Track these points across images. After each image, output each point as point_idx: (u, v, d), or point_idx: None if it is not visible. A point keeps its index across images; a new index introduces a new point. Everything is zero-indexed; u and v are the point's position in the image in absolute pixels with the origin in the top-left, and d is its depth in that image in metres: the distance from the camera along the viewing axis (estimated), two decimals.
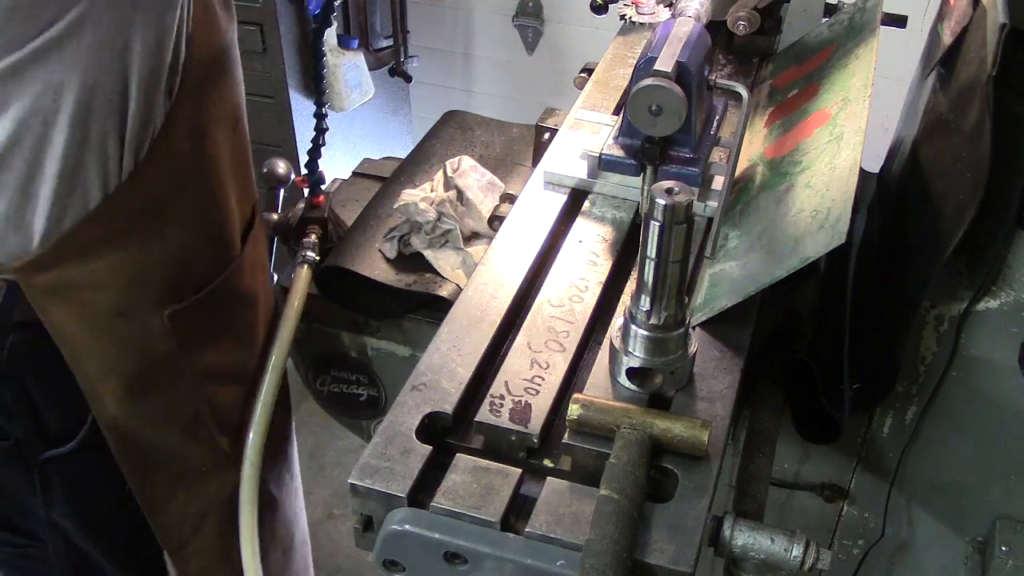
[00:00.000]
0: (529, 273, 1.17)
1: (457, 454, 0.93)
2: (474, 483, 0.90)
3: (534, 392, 0.99)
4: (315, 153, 1.53)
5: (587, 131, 1.36)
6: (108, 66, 1.01)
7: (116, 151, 1.05)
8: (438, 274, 1.42)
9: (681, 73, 1.09)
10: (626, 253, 1.21)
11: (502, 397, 0.98)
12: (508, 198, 1.45)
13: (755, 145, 1.37)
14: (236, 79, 1.22)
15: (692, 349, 1.00)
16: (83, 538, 1.39)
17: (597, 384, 1.02)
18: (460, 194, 1.47)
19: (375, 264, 1.44)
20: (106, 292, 1.13)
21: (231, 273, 1.25)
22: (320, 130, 1.52)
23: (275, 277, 1.58)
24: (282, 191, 1.57)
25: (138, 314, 1.17)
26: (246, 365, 1.34)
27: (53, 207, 1.05)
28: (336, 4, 1.44)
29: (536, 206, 1.28)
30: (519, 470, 0.92)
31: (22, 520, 1.36)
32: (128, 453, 1.27)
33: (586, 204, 1.29)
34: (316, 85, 1.50)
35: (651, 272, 0.93)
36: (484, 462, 0.92)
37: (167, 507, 1.34)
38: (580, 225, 1.25)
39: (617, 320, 1.03)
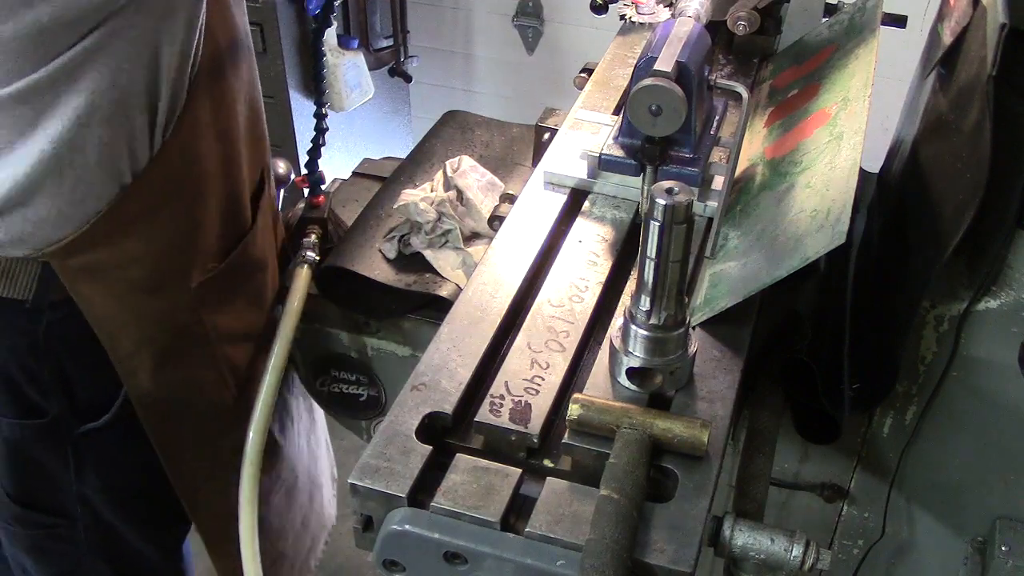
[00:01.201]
0: (529, 273, 1.17)
1: (457, 454, 0.93)
2: (474, 483, 0.90)
3: (534, 392, 0.99)
4: (315, 153, 1.53)
5: (587, 131, 1.36)
6: (142, 67, 1.07)
7: (146, 136, 1.11)
8: (438, 274, 1.42)
9: (681, 73, 1.09)
10: (626, 253, 1.21)
11: (502, 397, 0.98)
12: (508, 198, 1.45)
13: (755, 145, 1.37)
14: (250, 60, 1.29)
15: (692, 349, 1.00)
16: (111, 511, 1.44)
17: (597, 384, 1.02)
18: (460, 194, 1.47)
19: (375, 264, 1.44)
20: (137, 268, 1.19)
21: (249, 239, 1.32)
22: (320, 130, 1.52)
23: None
24: (282, 191, 1.57)
25: (168, 288, 1.23)
26: (257, 324, 1.41)
27: (90, 195, 1.11)
28: (336, 4, 1.44)
29: (536, 206, 1.28)
30: (519, 470, 0.92)
31: (54, 498, 1.41)
32: (158, 422, 1.32)
33: (586, 204, 1.29)
34: (316, 85, 1.50)
35: (651, 272, 0.93)
36: (484, 462, 0.92)
37: (187, 460, 1.40)
38: (580, 225, 1.25)
39: (617, 320, 1.03)
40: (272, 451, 1.51)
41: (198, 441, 1.39)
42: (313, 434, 1.75)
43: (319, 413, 1.77)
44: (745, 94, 1.22)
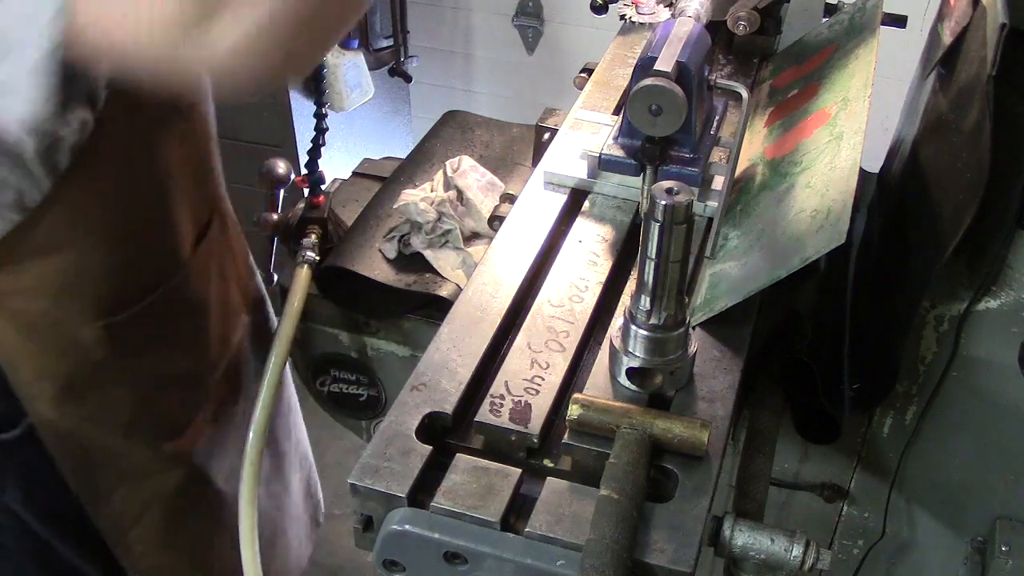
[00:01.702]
0: (529, 273, 1.17)
1: (457, 454, 0.93)
2: (474, 483, 0.90)
3: (534, 392, 0.99)
4: (315, 153, 1.53)
5: (587, 131, 1.36)
6: None
7: (38, 168, 1.01)
8: (438, 274, 1.42)
9: (681, 73, 1.09)
10: (626, 253, 1.21)
11: (502, 397, 0.98)
12: (508, 198, 1.45)
13: (755, 145, 1.37)
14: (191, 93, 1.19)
15: (692, 349, 1.00)
16: (41, 527, 1.38)
17: (597, 384, 1.02)
18: (460, 194, 1.47)
19: (375, 264, 1.44)
20: (37, 301, 1.11)
21: (177, 283, 1.23)
22: (320, 130, 1.52)
23: (275, 277, 1.58)
24: (282, 191, 1.57)
25: (71, 323, 1.15)
26: (191, 371, 1.33)
27: None
28: None
29: (536, 206, 1.28)
30: (519, 470, 0.92)
31: None
32: (66, 452, 1.26)
33: (586, 204, 1.29)
34: (316, 85, 1.50)
35: (651, 272, 0.93)
36: (484, 462, 0.92)
37: (109, 500, 1.34)
38: (580, 225, 1.25)
39: (617, 320, 1.03)
40: (214, 500, 1.44)
41: (119, 480, 1.32)
42: (278, 480, 1.64)
43: (291, 456, 1.67)
44: (745, 94, 1.22)
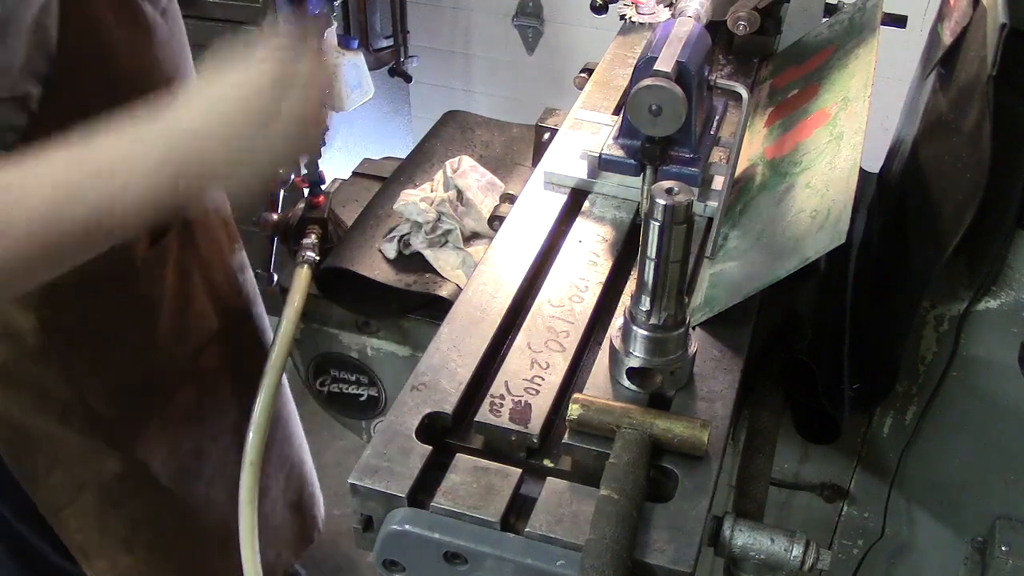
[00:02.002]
0: (529, 273, 1.17)
1: (457, 454, 0.93)
2: (474, 483, 0.90)
3: (534, 392, 0.99)
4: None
5: (587, 131, 1.36)
6: None
7: None
8: (438, 274, 1.42)
9: (681, 73, 1.09)
10: (626, 253, 1.21)
11: (502, 397, 0.98)
12: (508, 198, 1.45)
13: (755, 145, 1.37)
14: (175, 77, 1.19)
15: (692, 349, 1.00)
16: (21, 524, 1.42)
17: (597, 384, 1.02)
18: (460, 194, 1.47)
19: (375, 264, 1.44)
20: None
21: (124, 281, 1.24)
22: None
23: (275, 277, 1.58)
24: (282, 191, 1.57)
25: (7, 311, 1.18)
26: (134, 366, 1.34)
27: None
28: (336, 4, 1.44)
29: (536, 206, 1.28)
30: (519, 470, 0.92)
31: None
32: (1, 433, 1.29)
33: (586, 204, 1.29)
34: None
35: (651, 272, 0.93)
36: (484, 462, 0.92)
37: (45, 480, 1.36)
38: (580, 225, 1.25)
39: (617, 320, 1.03)
40: (164, 494, 1.46)
41: (54, 462, 1.35)
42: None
43: (270, 467, 1.65)
44: (745, 94, 1.22)
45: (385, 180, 1.64)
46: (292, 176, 1.56)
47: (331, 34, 2.86)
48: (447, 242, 1.44)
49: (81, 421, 1.32)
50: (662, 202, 0.88)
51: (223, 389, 1.47)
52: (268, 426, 1.35)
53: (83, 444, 1.34)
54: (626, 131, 1.21)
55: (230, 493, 1.50)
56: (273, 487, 1.70)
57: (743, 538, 0.95)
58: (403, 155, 1.72)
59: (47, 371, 1.25)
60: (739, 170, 1.30)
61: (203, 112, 0.92)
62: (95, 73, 1.10)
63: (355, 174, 1.79)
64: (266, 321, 1.57)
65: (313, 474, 1.87)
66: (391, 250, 1.45)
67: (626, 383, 1.00)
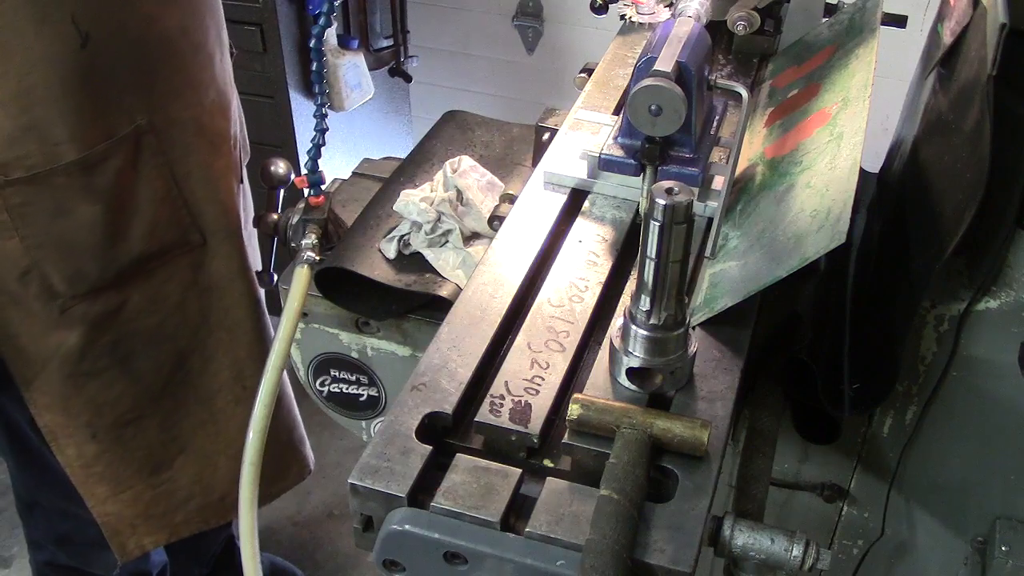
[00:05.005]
0: (529, 273, 1.17)
1: (457, 454, 0.93)
2: (474, 483, 0.90)
3: (534, 392, 0.99)
4: (315, 153, 1.53)
5: (587, 131, 1.36)
6: None
7: None
8: (438, 274, 1.42)
9: (681, 73, 1.09)
10: (626, 253, 1.21)
11: (502, 397, 0.98)
12: (508, 198, 1.45)
13: (755, 145, 1.37)
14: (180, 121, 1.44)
15: (692, 349, 1.00)
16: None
17: (597, 384, 1.02)
18: (460, 194, 1.47)
19: (375, 264, 1.44)
20: None
21: (81, 170, 1.35)
22: (320, 130, 1.52)
23: (275, 277, 1.58)
24: (282, 191, 1.57)
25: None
26: (87, 256, 1.44)
27: None
28: (336, 4, 1.44)
29: (536, 206, 1.28)
30: (519, 470, 0.92)
31: None
32: None
33: (586, 204, 1.29)
34: (316, 85, 1.50)
35: (651, 272, 0.93)
36: (484, 462, 0.92)
37: (16, 340, 1.47)
38: (580, 225, 1.25)
39: (617, 320, 1.03)
40: (123, 382, 1.56)
41: (22, 321, 1.46)
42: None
43: None
44: (745, 94, 1.22)
45: (385, 180, 1.64)
46: (292, 176, 1.57)
47: (331, 34, 2.87)
48: (447, 242, 1.44)
49: (39, 288, 1.42)
50: (662, 202, 0.88)
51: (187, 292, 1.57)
52: (266, 426, 1.36)
53: (42, 312, 1.44)
54: (626, 131, 1.21)
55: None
56: None
57: (743, 538, 0.95)
58: (403, 155, 1.72)
59: (8, 240, 1.36)
60: (739, 170, 1.30)
61: None
62: (123, 35, 1.18)
63: (355, 174, 1.79)
64: (256, 263, 1.67)
65: (299, 418, 1.97)
66: (391, 250, 1.45)
67: (626, 383, 1.00)
